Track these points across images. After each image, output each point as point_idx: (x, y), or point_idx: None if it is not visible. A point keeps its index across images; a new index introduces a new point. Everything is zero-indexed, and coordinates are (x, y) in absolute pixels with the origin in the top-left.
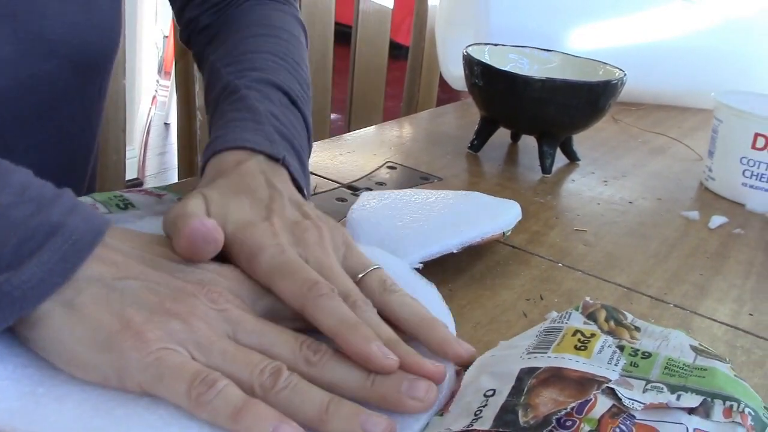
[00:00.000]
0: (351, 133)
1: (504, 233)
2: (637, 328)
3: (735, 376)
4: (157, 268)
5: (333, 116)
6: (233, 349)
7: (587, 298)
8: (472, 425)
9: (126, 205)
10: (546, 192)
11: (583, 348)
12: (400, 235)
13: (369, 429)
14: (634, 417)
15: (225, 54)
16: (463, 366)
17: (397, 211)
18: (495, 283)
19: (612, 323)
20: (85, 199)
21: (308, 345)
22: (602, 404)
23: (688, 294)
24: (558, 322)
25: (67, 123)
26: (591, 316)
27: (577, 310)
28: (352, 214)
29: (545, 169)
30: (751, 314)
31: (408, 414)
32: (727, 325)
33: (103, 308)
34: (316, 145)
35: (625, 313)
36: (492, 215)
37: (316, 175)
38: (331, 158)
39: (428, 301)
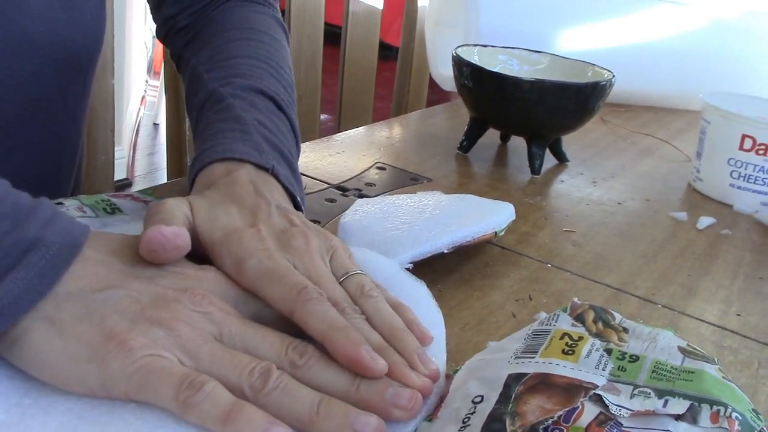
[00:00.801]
0: (340, 133)
1: (496, 233)
2: (625, 329)
3: (723, 377)
4: (138, 276)
5: (323, 117)
6: (220, 351)
7: (575, 299)
8: None
9: (113, 210)
10: (535, 193)
11: (570, 352)
12: (391, 236)
13: (359, 429)
14: (621, 425)
15: (207, 59)
16: (432, 379)
17: (389, 215)
18: (484, 284)
19: (600, 324)
20: (73, 202)
21: (294, 347)
22: (589, 412)
23: (676, 294)
24: (546, 324)
25: (50, 123)
26: (579, 318)
27: (564, 311)
28: (344, 219)
29: (534, 170)
30: (738, 314)
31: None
32: (715, 325)
33: (84, 321)
34: (306, 146)
35: (614, 313)
36: (484, 216)
37: (305, 175)
38: (321, 159)
39: (418, 299)
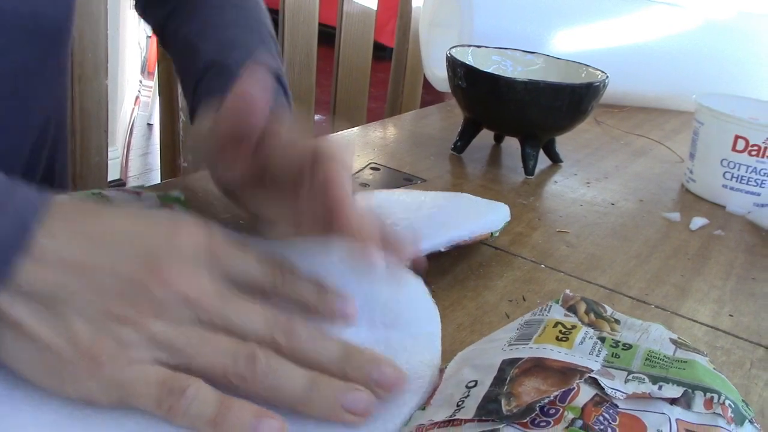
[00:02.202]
0: (335, 134)
1: (492, 234)
2: (617, 321)
3: (714, 369)
4: (100, 256)
5: (317, 117)
6: (198, 338)
7: (567, 291)
8: (455, 415)
9: (103, 199)
10: (529, 193)
11: (564, 339)
12: None
13: (349, 407)
14: (617, 406)
15: (199, 30)
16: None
17: (386, 211)
18: (477, 284)
19: (592, 315)
20: (63, 198)
21: (280, 326)
22: (585, 393)
23: (669, 295)
24: (539, 315)
25: (30, 98)
26: (571, 309)
27: (557, 302)
28: None
29: (528, 170)
30: (731, 315)
31: (386, 410)
32: (708, 325)
33: (47, 328)
34: None
35: (605, 306)
36: (480, 215)
37: None
38: None
39: (414, 296)
